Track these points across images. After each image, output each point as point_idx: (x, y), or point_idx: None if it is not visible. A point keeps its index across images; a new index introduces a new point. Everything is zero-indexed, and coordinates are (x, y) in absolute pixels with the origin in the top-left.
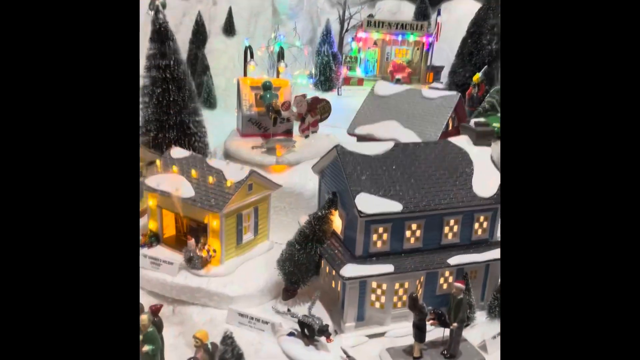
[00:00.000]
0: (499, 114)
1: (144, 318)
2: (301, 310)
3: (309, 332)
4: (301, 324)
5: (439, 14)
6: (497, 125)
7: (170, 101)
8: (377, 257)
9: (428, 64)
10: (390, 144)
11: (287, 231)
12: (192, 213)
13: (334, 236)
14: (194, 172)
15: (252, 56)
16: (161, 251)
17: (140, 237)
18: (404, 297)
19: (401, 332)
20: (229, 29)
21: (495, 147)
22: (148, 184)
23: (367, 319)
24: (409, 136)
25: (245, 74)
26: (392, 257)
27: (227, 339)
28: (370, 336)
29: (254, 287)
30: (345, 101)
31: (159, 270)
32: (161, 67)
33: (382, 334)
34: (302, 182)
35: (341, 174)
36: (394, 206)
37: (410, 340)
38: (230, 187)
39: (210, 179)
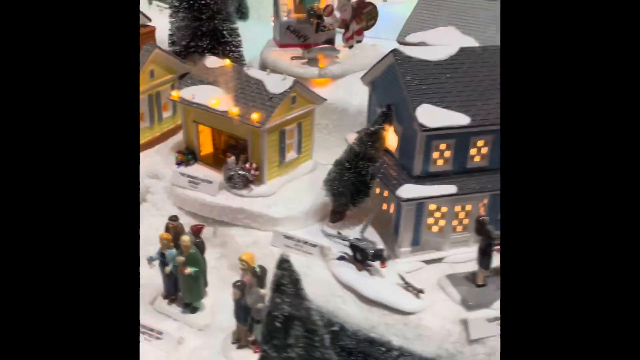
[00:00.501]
0: None
1: (185, 239)
2: (350, 233)
3: (362, 257)
4: (354, 247)
5: None
6: None
7: (202, 4)
8: (437, 176)
9: None
10: (455, 49)
11: (331, 151)
12: (231, 128)
13: (387, 154)
14: (232, 83)
15: None
16: (199, 170)
17: (177, 155)
18: (465, 221)
19: (460, 258)
20: None
21: None
22: (183, 96)
23: (424, 243)
24: (468, 42)
25: None
26: (454, 177)
27: (284, 263)
28: (427, 262)
29: (300, 209)
30: (394, 9)
31: (197, 189)
32: None
33: (439, 260)
34: (347, 97)
35: (398, 84)
36: (460, 119)
37: (469, 267)
38: (272, 100)
39: (251, 91)
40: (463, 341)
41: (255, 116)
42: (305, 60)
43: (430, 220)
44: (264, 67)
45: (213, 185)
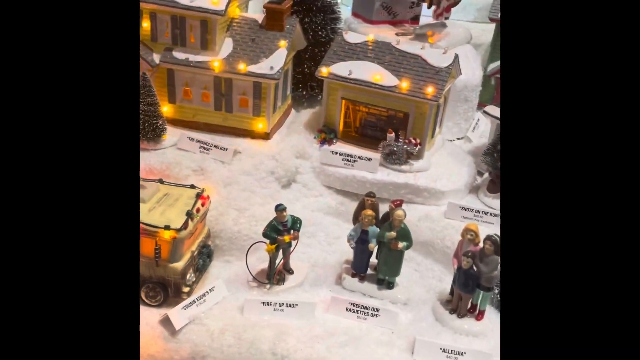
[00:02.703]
0: None
1: (400, 213)
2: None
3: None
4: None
5: None
6: None
7: None
8: None
9: None
10: None
11: (446, 126)
12: (391, 103)
13: None
14: (387, 59)
15: None
16: (343, 147)
17: (319, 135)
18: None
19: None
20: None
21: None
22: (335, 72)
23: None
24: None
25: None
26: None
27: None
28: None
29: (462, 182)
30: None
31: (354, 167)
32: None
33: None
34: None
35: None
36: None
37: None
38: (440, 74)
39: (411, 66)
40: None
41: (430, 90)
42: (412, 36)
43: None
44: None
45: (373, 162)
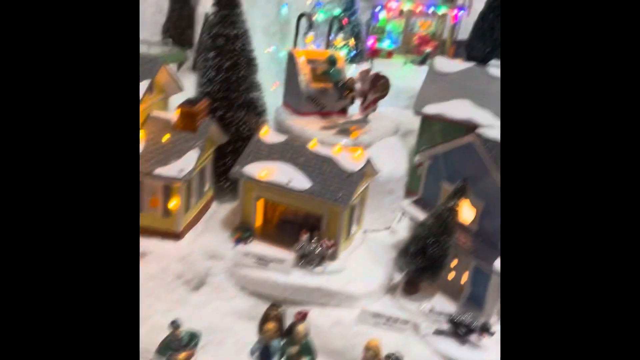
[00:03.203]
0: None
1: (302, 328)
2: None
3: (466, 330)
4: (454, 322)
5: None
6: None
7: (240, 77)
8: None
9: (454, 37)
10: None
11: (366, 217)
12: (306, 205)
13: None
14: (301, 160)
15: (310, 26)
16: (258, 247)
17: (233, 233)
18: None
19: None
20: None
21: None
22: (249, 173)
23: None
24: (486, 116)
25: (295, 45)
26: None
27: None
28: None
29: (376, 283)
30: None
31: (267, 269)
32: (230, 37)
33: None
34: (378, 166)
35: (477, 162)
36: None
37: None
38: (350, 178)
39: (324, 169)
40: None
41: (341, 194)
42: (336, 130)
43: None
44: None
45: (286, 264)
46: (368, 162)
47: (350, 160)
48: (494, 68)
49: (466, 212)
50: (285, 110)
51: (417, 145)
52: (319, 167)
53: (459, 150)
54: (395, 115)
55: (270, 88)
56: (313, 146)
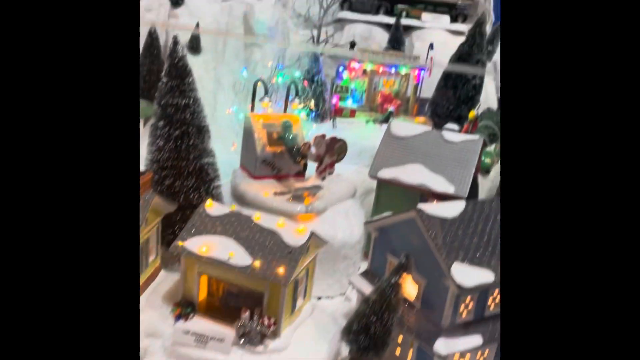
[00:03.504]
0: (488, 149)
1: None
2: None
3: None
4: None
5: (431, 48)
6: (488, 160)
7: (190, 145)
8: (464, 327)
9: (417, 96)
10: (462, 204)
11: (317, 284)
12: (247, 282)
13: (404, 302)
14: (244, 234)
15: (266, 91)
16: (200, 324)
17: (174, 309)
18: None
19: None
20: (194, 46)
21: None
22: (190, 248)
23: None
24: (439, 181)
25: (252, 109)
26: (474, 325)
27: None
28: None
29: None
30: (342, 134)
31: (206, 348)
32: (180, 107)
33: None
34: (331, 231)
35: (419, 238)
36: (488, 276)
37: None
38: (293, 253)
39: (266, 243)
40: None
41: (281, 271)
42: (289, 196)
43: None
44: (243, 200)
45: (225, 344)
46: (312, 235)
47: (293, 233)
48: (449, 132)
49: (409, 288)
50: (242, 173)
51: (374, 209)
52: (262, 241)
53: (402, 224)
54: (355, 175)
55: (231, 148)
56: (258, 219)
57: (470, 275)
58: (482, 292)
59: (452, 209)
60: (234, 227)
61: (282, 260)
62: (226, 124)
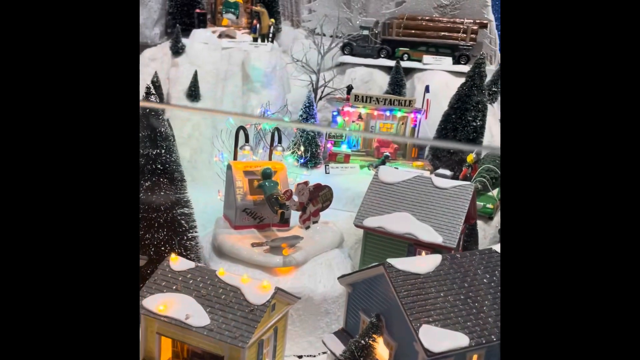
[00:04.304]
0: (490, 193)
1: None
2: None
3: None
4: None
5: (427, 90)
6: (490, 206)
7: (161, 196)
8: None
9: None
10: (438, 258)
11: (295, 341)
12: (206, 344)
13: None
14: (205, 291)
15: (247, 139)
16: None
17: None
18: None
19: None
20: (193, 93)
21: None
22: (147, 306)
23: None
24: (427, 231)
25: (235, 157)
26: None
27: None
28: None
29: None
30: (335, 180)
31: None
32: (151, 157)
33: None
34: (312, 285)
35: (389, 295)
36: (461, 340)
37: None
38: (254, 312)
39: (228, 301)
40: None
41: (239, 333)
42: (267, 248)
43: None
44: (219, 251)
45: None
46: (277, 291)
47: (256, 290)
48: (440, 178)
49: (382, 351)
50: (224, 223)
51: (361, 260)
52: (223, 299)
53: (373, 280)
54: (347, 223)
55: (217, 197)
56: (222, 273)
57: (439, 339)
58: (457, 356)
59: (425, 264)
60: (197, 282)
61: (242, 319)
62: (221, 171)
